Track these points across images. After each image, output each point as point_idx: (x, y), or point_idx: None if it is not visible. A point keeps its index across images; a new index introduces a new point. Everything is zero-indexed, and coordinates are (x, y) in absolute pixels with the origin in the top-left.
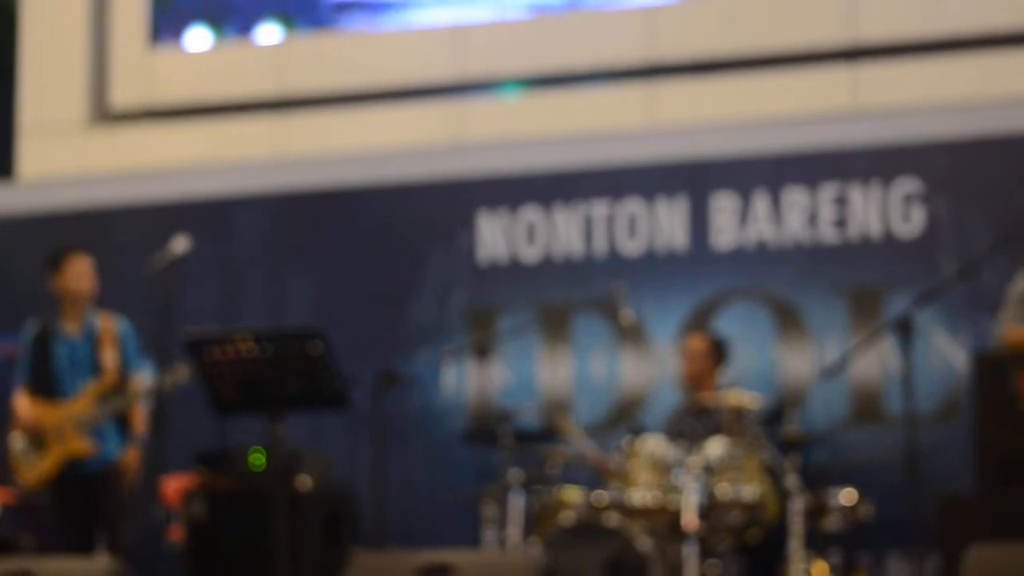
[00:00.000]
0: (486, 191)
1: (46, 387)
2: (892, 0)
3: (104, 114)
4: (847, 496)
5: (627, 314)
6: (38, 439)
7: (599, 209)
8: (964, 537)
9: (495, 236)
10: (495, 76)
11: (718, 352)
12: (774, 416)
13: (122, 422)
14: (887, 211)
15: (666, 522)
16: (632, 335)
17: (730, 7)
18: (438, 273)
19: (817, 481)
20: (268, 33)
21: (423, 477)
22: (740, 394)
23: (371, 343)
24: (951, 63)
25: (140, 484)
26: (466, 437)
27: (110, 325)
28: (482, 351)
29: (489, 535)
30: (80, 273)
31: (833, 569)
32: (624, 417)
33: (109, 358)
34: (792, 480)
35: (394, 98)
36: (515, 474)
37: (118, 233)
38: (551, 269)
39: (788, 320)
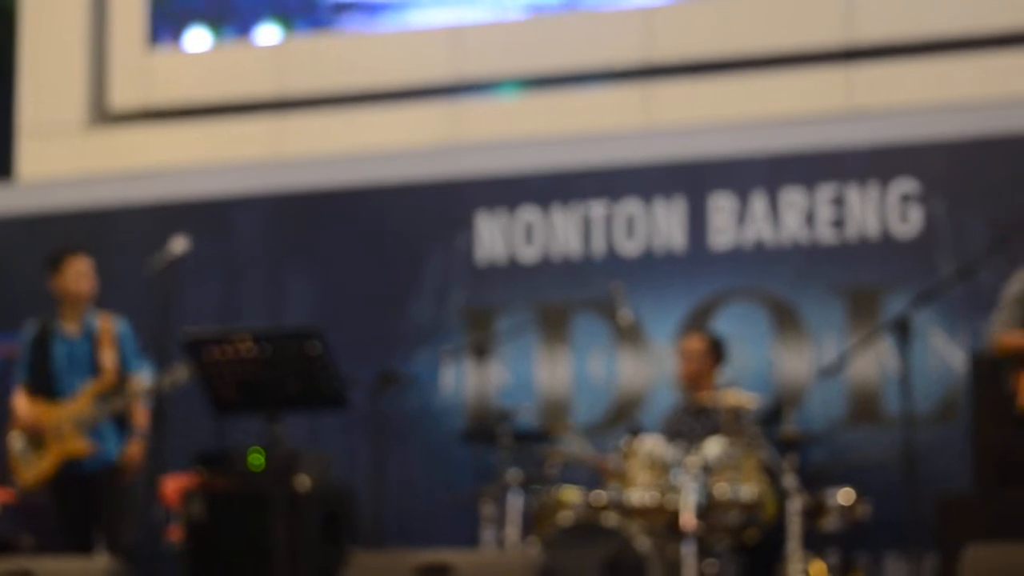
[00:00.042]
0: (484, 191)
1: (45, 387)
2: (888, 1)
3: (103, 115)
4: (845, 496)
5: (625, 314)
6: (37, 439)
7: (597, 209)
8: (961, 537)
9: (493, 236)
10: (493, 77)
11: (716, 352)
12: (772, 416)
13: (121, 422)
14: (885, 211)
15: (664, 522)
16: (630, 335)
17: (727, 8)
18: (436, 273)
19: (815, 481)
20: (267, 34)
21: (422, 477)
22: (738, 394)
23: (370, 343)
24: (948, 63)
25: (140, 483)
26: (465, 437)
27: (109, 325)
28: (481, 351)
29: (487, 535)
30: (79, 273)
31: (831, 569)
32: (622, 417)
33: (108, 358)
34: (790, 480)
35: (392, 99)
36: (513, 474)
37: (117, 233)
38: (549, 269)
39: (786, 320)
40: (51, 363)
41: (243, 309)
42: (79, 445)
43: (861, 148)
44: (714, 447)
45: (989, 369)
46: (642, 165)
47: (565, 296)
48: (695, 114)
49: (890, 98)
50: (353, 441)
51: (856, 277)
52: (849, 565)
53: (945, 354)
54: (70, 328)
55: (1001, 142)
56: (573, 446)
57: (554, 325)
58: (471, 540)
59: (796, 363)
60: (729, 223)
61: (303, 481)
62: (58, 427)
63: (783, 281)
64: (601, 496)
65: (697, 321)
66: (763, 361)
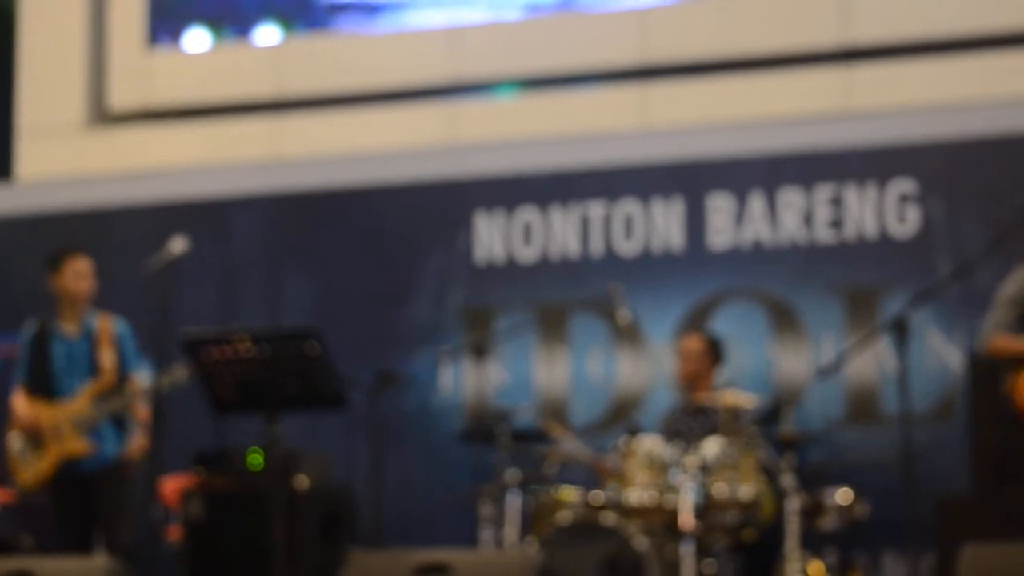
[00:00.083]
0: (483, 192)
1: (44, 387)
2: (886, 1)
3: (102, 115)
4: (843, 495)
5: (624, 314)
6: (35, 439)
7: (595, 209)
8: (959, 536)
9: (492, 236)
10: (491, 77)
11: (714, 352)
12: (770, 416)
13: (120, 422)
14: (882, 211)
15: (663, 521)
16: (629, 335)
17: (724, 9)
18: (435, 273)
19: (813, 481)
20: (266, 35)
21: (420, 477)
22: (736, 394)
23: (368, 343)
24: (946, 64)
25: (139, 483)
26: (463, 437)
27: (108, 326)
28: (479, 351)
29: (486, 534)
30: (79, 274)
31: (829, 568)
32: (621, 417)
33: (107, 358)
34: (788, 480)
35: (391, 99)
36: (512, 474)
37: (116, 234)
38: (548, 269)
39: (784, 320)
40: (50, 363)
41: (242, 309)
42: (78, 445)
43: (859, 148)
44: (712, 447)
45: (987, 369)
46: (640, 165)
47: (563, 296)
48: (693, 114)
49: (888, 98)
50: (352, 441)
51: (854, 277)
52: (847, 565)
53: (943, 354)
54: (69, 328)
55: (999, 142)
56: (570, 447)
57: (552, 325)
58: (470, 540)
59: (794, 363)
60: (727, 223)
61: (302, 481)
62: (57, 427)
63: (781, 281)
64: (599, 496)
65: (695, 321)
66: (761, 361)
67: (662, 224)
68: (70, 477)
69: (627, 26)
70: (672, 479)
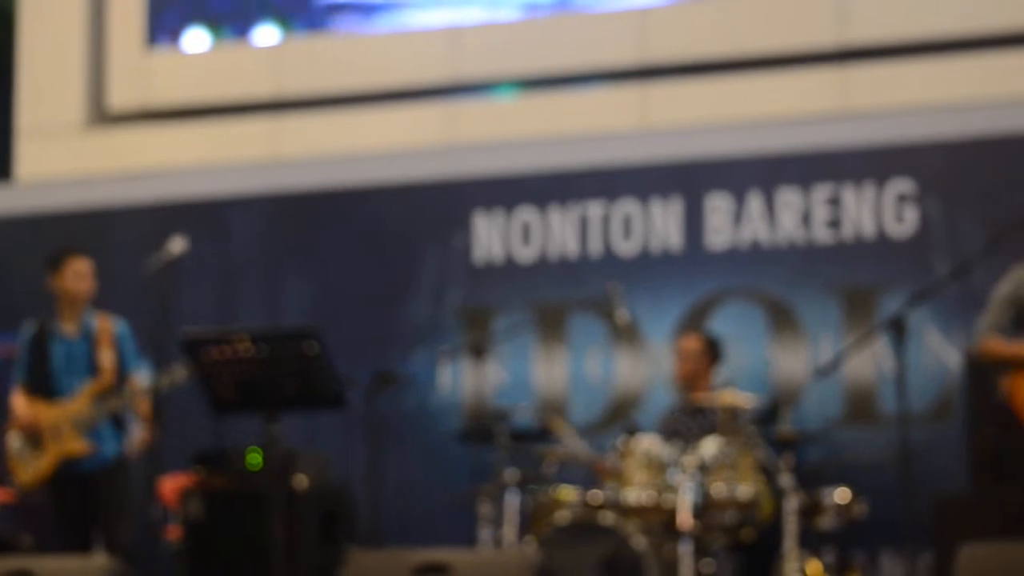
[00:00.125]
0: (481, 192)
1: (43, 387)
2: (882, 2)
3: (101, 116)
4: (841, 495)
5: (622, 314)
6: (34, 439)
7: (594, 209)
8: (957, 536)
9: (491, 236)
10: (490, 77)
11: (712, 352)
12: (768, 415)
13: (119, 422)
14: (880, 211)
15: (661, 521)
16: (627, 335)
17: (722, 9)
18: (434, 273)
19: (811, 480)
20: (265, 35)
21: (419, 476)
22: (734, 394)
23: (367, 343)
24: (943, 64)
25: (138, 483)
26: (462, 436)
27: (107, 326)
28: (478, 351)
29: (485, 534)
30: (79, 274)
31: (827, 567)
32: (619, 416)
33: (106, 358)
34: (786, 479)
35: (390, 99)
36: (511, 473)
37: (115, 234)
38: (546, 269)
39: (782, 320)
40: (49, 363)
41: (241, 309)
42: (77, 445)
43: (857, 148)
44: (711, 446)
45: (984, 369)
46: (639, 165)
47: (562, 296)
48: (691, 114)
49: (885, 99)
50: (351, 441)
51: (852, 277)
52: (845, 564)
53: (940, 353)
54: (68, 328)
55: (996, 142)
56: (569, 445)
57: (551, 325)
58: (468, 539)
59: (792, 363)
60: (725, 223)
61: (301, 480)
62: (56, 427)
63: (779, 281)
64: (598, 495)
65: (693, 321)
66: (759, 361)
67: (661, 224)
68: (69, 477)
69: (626, 26)
70: (670, 479)
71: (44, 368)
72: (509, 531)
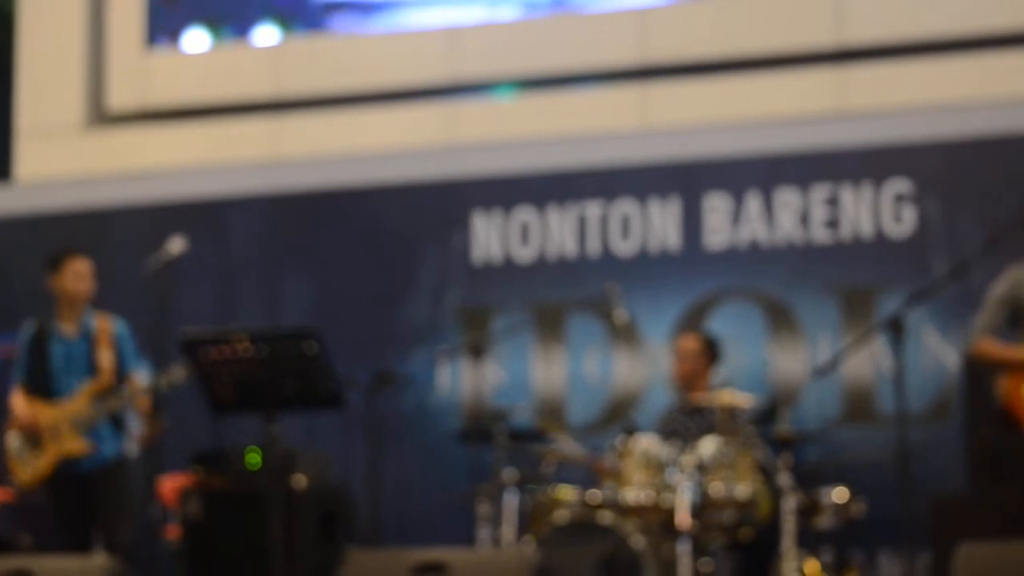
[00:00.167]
0: (480, 192)
1: (42, 387)
2: (880, 2)
3: (101, 116)
4: (839, 494)
5: (620, 314)
6: (34, 438)
7: (592, 209)
8: (955, 535)
9: (489, 236)
10: (489, 77)
11: (711, 352)
12: (767, 415)
13: (118, 422)
14: (878, 211)
15: (660, 520)
16: (625, 335)
17: (721, 9)
18: (432, 273)
19: (809, 480)
20: (265, 35)
21: (418, 476)
22: (733, 393)
23: (366, 343)
24: (941, 64)
25: (138, 482)
26: (460, 436)
27: (106, 326)
28: (476, 351)
29: (483, 534)
30: (78, 274)
31: (825, 567)
32: (617, 416)
33: (105, 358)
34: (784, 479)
35: (389, 99)
36: (509, 473)
37: (115, 234)
38: (545, 269)
39: (780, 320)
40: (48, 363)
41: (240, 309)
42: (76, 445)
43: (855, 148)
44: (709, 446)
45: (982, 369)
46: (637, 165)
47: (561, 296)
48: (690, 115)
49: (883, 99)
50: (350, 441)
51: (850, 277)
52: (843, 563)
53: (938, 353)
54: (67, 328)
55: (994, 142)
56: (566, 447)
57: (550, 325)
58: (467, 539)
59: (790, 362)
60: (724, 223)
61: (300, 480)
62: (55, 427)
63: (778, 281)
64: (596, 495)
65: (692, 321)
66: (758, 361)
67: (659, 224)
68: (68, 477)
69: (625, 26)
70: (669, 478)
71: (43, 368)
72: (508, 531)
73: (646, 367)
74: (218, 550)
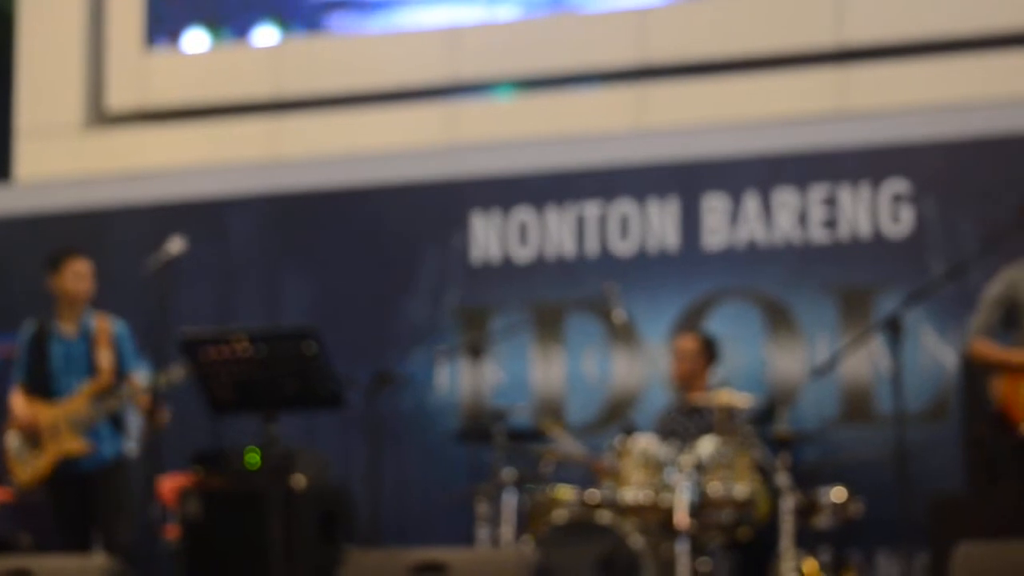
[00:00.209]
0: (479, 192)
1: (42, 387)
2: (880, 2)
3: (101, 116)
4: (837, 494)
5: (619, 314)
6: (33, 438)
7: (591, 210)
8: (953, 535)
9: (488, 236)
10: (488, 78)
11: (709, 352)
12: (765, 415)
13: (117, 422)
14: (876, 212)
15: (658, 520)
16: (624, 335)
17: (720, 10)
18: (431, 273)
19: (807, 479)
20: (264, 35)
21: (417, 476)
22: (731, 393)
23: (365, 343)
24: (939, 65)
25: (137, 482)
26: (459, 436)
27: (106, 326)
28: (475, 351)
29: (482, 533)
30: (79, 275)
31: (823, 567)
32: (616, 416)
33: (104, 358)
34: (783, 478)
35: (388, 100)
36: (508, 473)
37: (114, 234)
38: (544, 269)
39: (779, 320)
40: (48, 363)
41: (239, 309)
42: (75, 445)
43: (853, 149)
44: (707, 446)
45: (980, 368)
46: (636, 166)
47: (559, 296)
48: (689, 115)
49: (881, 99)
50: (349, 440)
51: (848, 277)
52: (841, 563)
53: (936, 353)
54: (67, 328)
55: (993, 142)
56: (565, 447)
57: (548, 325)
58: (466, 539)
59: (789, 362)
60: (722, 223)
61: (299, 480)
62: (55, 426)
63: (776, 281)
64: (595, 495)
65: (690, 321)
66: (756, 361)
67: (657, 224)
68: (68, 476)
69: (624, 27)
70: (667, 478)
71: (43, 368)
72: (506, 530)
73: (644, 367)
74: (217, 550)
